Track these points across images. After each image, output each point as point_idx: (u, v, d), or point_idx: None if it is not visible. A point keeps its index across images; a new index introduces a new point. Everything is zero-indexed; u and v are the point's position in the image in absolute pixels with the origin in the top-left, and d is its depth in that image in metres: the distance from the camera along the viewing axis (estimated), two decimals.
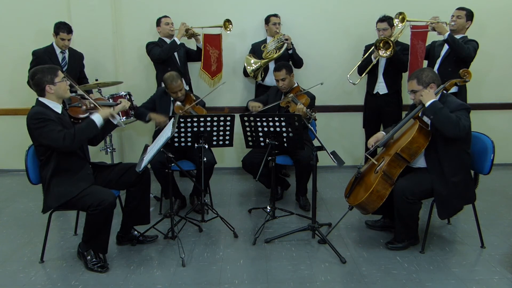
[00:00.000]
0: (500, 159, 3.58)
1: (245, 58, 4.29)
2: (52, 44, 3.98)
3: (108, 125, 2.79)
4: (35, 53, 3.93)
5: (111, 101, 3.33)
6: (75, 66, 4.03)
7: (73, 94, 3.11)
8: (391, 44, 3.74)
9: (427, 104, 2.61)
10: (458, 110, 2.58)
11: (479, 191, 2.85)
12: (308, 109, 3.30)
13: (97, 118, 2.60)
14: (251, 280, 2.49)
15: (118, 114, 3.38)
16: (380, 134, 3.00)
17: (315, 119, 3.32)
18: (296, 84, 3.70)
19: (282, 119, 3.00)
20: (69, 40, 3.95)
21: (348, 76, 4.03)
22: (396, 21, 3.78)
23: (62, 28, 3.88)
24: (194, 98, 3.62)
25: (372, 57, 3.96)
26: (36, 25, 4.43)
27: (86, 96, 2.83)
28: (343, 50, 4.62)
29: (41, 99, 2.57)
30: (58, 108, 2.60)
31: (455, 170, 2.65)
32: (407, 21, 3.71)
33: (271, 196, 3.28)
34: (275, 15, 4.31)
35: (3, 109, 4.69)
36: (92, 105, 2.75)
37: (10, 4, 4.51)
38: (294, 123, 2.98)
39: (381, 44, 3.80)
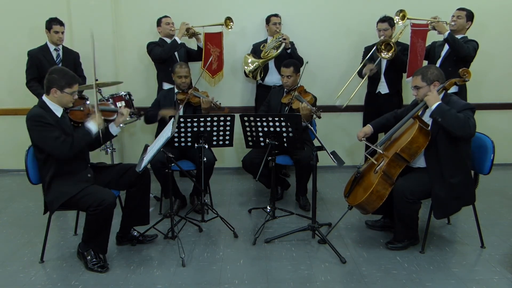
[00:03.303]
0: (500, 159, 3.58)
1: (243, 57, 4.29)
2: (46, 43, 3.98)
3: (107, 134, 2.79)
4: (29, 53, 3.94)
5: (111, 105, 3.38)
6: (70, 64, 4.01)
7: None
8: (393, 46, 3.74)
9: (433, 107, 2.60)
10: (463, 110, 2.58)
11: (479, 191, 2.84)
12: (314, 107, 3.30)
13: (93, 127, 2.61)
14: (251, 280, 2.49)
15: None
16: (368, 128, 3.03)
17: (319, 117, 3.32)
18: (299, 85, 3.69)
19: (282, 119, 3.00)
20: (62, 33, 3.96)
21: (335, 99, 4.02)
22: (396, 19, 3.77)
23: (54, 21, 3.90)
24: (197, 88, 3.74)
25: (363, 72, 3.98)
26: (36, 25, 4.40)
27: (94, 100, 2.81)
28: (344, 50, 4.62)
29: (44, 98, 2.57)
30: (58, 111, 2.60)
31: (453, 171, 2.65)
32: (407, 18, 3.70)
33: (271, 196, 3.28)
34: (276, 15, 4.32)
35: (3, 109, 4.70)
36: (94, 109, 2.72)
37: (10, 4, 4.51)
38: (294, 123, 2.98)
39: (382, 46, 3.80)
